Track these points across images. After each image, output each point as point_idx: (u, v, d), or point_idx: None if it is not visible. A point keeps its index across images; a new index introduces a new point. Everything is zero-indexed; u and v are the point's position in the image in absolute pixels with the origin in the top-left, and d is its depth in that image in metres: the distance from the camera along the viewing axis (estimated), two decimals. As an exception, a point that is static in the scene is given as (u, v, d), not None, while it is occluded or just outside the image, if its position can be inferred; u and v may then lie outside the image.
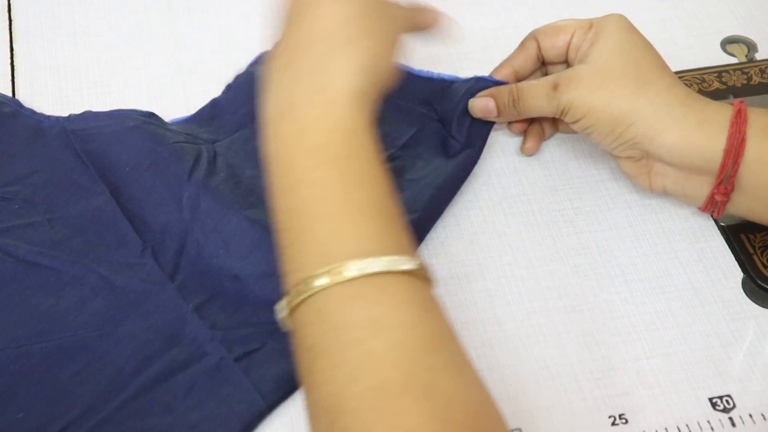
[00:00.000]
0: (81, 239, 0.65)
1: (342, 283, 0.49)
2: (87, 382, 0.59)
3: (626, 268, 0.66)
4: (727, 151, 0.61)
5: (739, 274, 0.66)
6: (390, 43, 0.58)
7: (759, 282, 0.65)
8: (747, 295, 0.65)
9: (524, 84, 0.67)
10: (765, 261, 0.66)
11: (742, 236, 0.67)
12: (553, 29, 0.69)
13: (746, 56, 0.80)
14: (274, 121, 0.55)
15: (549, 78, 0.66)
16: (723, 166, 0.62)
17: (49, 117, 0.71)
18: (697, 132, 0.62)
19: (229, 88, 0.74)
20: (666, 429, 0.59)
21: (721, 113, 0.63)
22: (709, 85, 0.76)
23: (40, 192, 0.67)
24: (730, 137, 0.61)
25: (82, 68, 0.77)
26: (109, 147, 0.68)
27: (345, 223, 0.51)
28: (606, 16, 0.67)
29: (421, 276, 0.51)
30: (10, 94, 0.75)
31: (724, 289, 0.65)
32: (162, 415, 0.58)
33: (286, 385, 0.59)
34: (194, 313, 0.62)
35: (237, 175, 0.68)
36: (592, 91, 0.64)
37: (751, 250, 0.67)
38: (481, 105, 0.68)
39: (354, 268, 0.49)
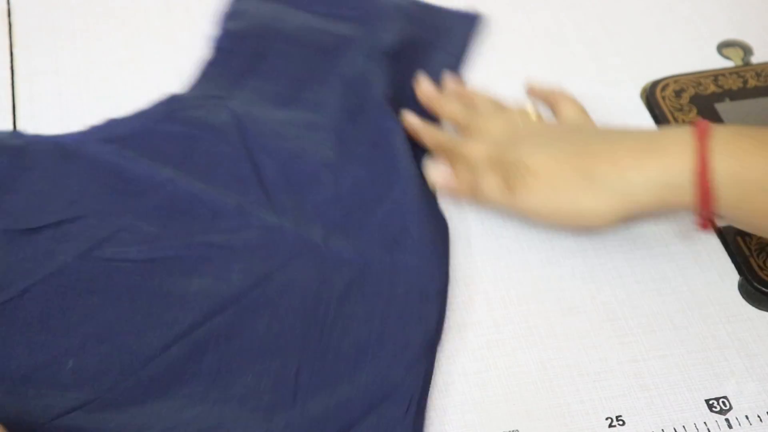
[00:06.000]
0: (176, 225, 0.64)
1: None
2: (293, 326, 0.60)
3: (623, 270, 0.66)
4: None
5: (735, 277, 0.66)
6: None
7: (755, 284, 0.65)
8: (743, 297, 0.65)
9: (479, 182, 0.66)
10: (761, 263, 0.66)
11: (739, 239, 0.68)
12: None
13: (742, 60, 0.80)
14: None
15: (500, 176, 0.65)
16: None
17: (64, 135, 0.70)
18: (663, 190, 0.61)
19: (218, 50, 0.77)
20: (662, 431, 0.59)
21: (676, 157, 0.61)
22: (705, 88, 0.77)
23: (104, 201, 0.66)
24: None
25: (82, 72, 0.77)
26: (151, 144, 0.69)
27: None
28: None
29: None
30: (9, 98, 0.75)
31: (720, 291, 0.66)
32: (366, 323, 0.60)
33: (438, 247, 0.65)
34: (326, 242, 0.64)
35: (271, 123, 0.71)
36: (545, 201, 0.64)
37: (748, 253, 0.67)
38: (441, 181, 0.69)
39: None
